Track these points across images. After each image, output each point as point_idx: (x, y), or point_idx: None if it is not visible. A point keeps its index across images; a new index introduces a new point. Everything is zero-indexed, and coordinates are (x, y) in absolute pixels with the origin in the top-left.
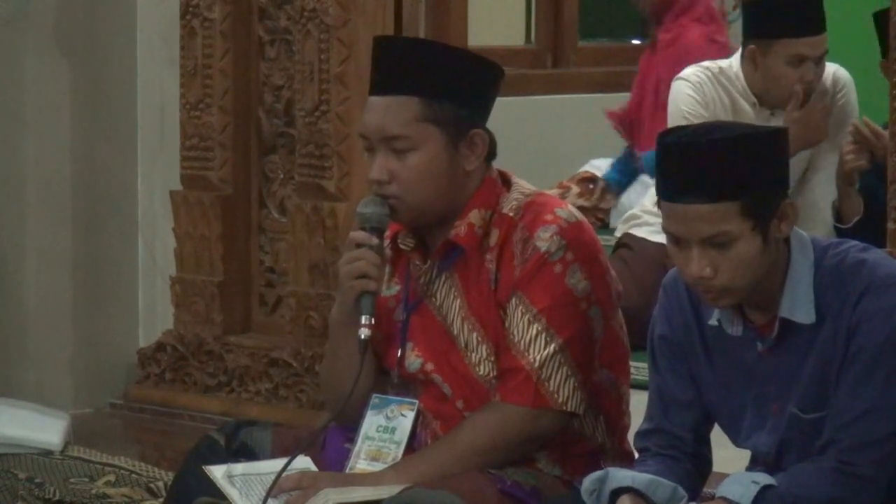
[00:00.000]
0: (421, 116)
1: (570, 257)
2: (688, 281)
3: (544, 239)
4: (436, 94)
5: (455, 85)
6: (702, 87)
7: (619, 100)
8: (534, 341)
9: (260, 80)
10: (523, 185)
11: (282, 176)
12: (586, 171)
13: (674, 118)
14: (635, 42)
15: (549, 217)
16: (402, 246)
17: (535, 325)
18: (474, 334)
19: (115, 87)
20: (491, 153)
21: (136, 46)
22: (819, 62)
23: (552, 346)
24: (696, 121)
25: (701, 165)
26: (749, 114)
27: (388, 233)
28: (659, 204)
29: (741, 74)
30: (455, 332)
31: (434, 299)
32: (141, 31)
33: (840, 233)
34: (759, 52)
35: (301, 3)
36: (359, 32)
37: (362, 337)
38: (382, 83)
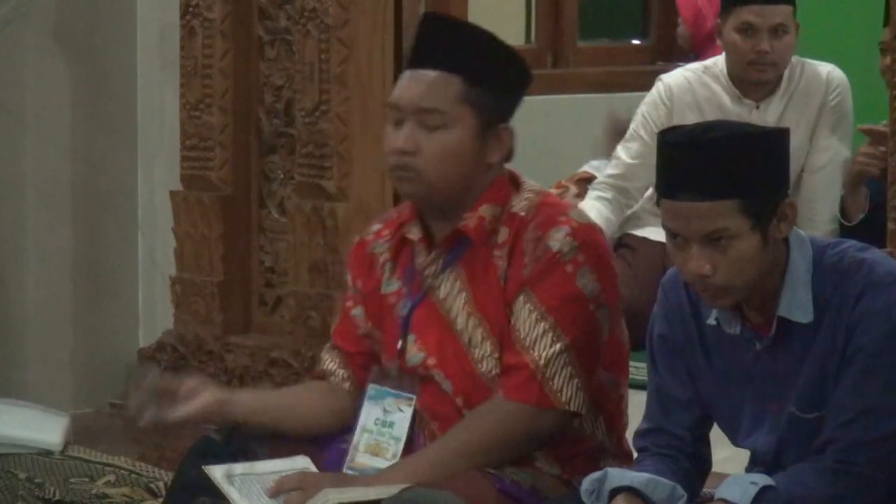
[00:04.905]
0: (461, 96)
1: (582, 258)
2: (687, 279)
3: (557, 239)
4: (478, 78)
5: (497, 74)
6: (671, 92)
7: (619, 100)
8: (540, 339)
9: (260, 80)
10: (533, 186)
11: (282, 176)
12: (585, 172)
13: (638, 115)
14: (635, 42)
15: (562, 218)
16: (408, 235)
17: (543, 324)
18: (479, 330)
19: (115, 86)
20: (511, 152)
21: (136, 46)
22: (776, 34)
23: (558, 344)
24: (649, 125)
25: (701, 163)
26: (732, 110)
27: (393, 222)
28: (658, 202)
29: (725, 69)
30: (459, 327)
31: (438, 292)
32: (141, 31)
33: (844, 230)
34: (722, 26)
35: (301, 3)
36: (359, 32)
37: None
38: (427, 57)
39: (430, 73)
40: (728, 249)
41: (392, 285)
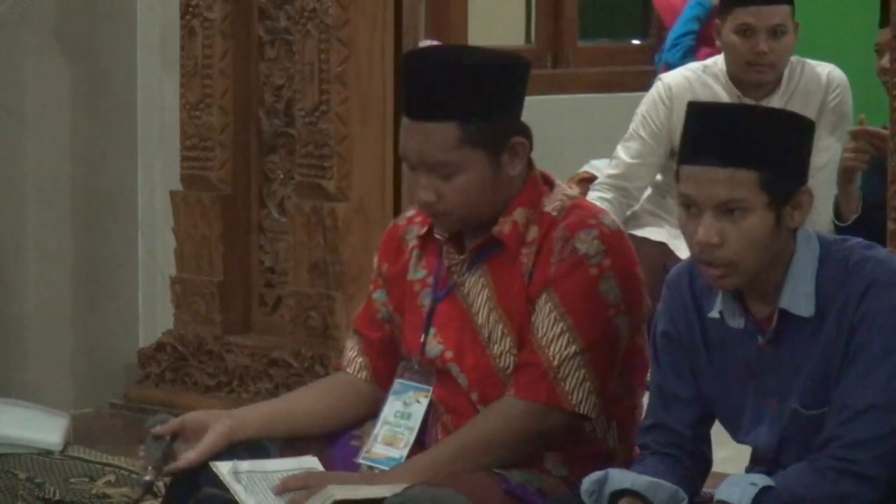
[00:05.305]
0: (460, 142)
1: (608, 263)
2: (694, 251)
3: (585, 241)
4: (472, 115)
5: (489, 100)
6: (671, 91)
7: (619, 100)
8: (556, 340)
9: (260, 80)
10: (567, 188)
11: (282, 176)
12: (586, 172)
13: (637, 115)
14: (635, 42)
15: (592, 221)
16: (437, 236)
17: (560, 324)
18: (500, 326)
19: (115, 87)
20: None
21: (136, 46)
22: (774, 35)
23: (573, 347)
24: (649, 125)
25: (727, 129)
26: None
27: (421, 220)
28: (677, 174)
29: (725, 69)
30: (480, 321)
31: (462, 288)
32: (141, 31)
33: (838, 231)
34: (721, 27)
35: (301, 3)
36: (359, 32)
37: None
38: (417, 109)
39: (424, 127)
40: (740, 222)
41: (418, 273)
